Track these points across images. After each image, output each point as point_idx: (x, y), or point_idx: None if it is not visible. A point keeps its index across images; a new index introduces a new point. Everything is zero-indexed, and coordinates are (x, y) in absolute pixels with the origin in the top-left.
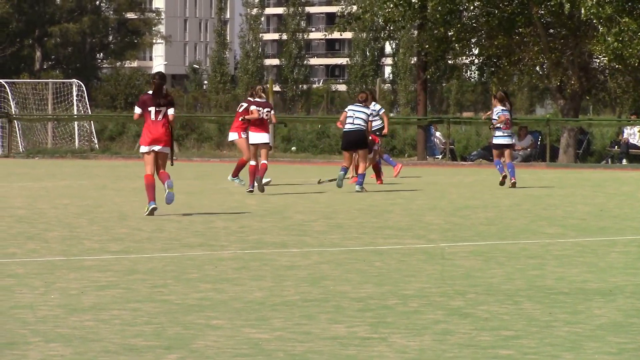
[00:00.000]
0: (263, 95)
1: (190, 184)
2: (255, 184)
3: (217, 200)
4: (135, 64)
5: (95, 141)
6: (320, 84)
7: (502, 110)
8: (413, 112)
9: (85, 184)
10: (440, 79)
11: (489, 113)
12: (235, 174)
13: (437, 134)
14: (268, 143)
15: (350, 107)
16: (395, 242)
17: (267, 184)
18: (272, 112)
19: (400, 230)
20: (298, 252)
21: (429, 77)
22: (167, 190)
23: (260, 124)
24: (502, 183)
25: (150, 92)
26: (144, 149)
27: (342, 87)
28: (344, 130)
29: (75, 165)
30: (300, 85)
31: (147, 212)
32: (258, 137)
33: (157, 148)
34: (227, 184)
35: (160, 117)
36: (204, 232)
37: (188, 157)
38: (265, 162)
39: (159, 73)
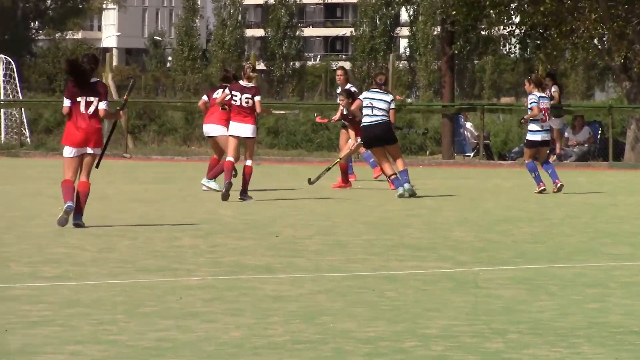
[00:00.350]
0: (252, 75)
1: (148, 190)
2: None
3: (183, 211)
4: (79, 35)
5: (27, 134)
6: (317, 60)
7: (541, 97)
8: (436, 97)
9: (12, 189)
10: (471, 55)
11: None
12: (213, 176)
13: (468, 125)
14: (253, 137)
15: (366, 94)
16: (414, 266)
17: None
18: (258, 99)
19: (420, 250)
20: (287, 279)
21: (456, 52)
22: (75, 222)
23: (244, 113)
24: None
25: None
26: (68, 151)
27: (345, 64)
28: (363, 124)
29: (1, 166)
30: (291, 63)
31: (60, 215)
32: (240, 128)
33: (86, 151)
34: (197, 189)
35: (91, 109)
36: (166, 252)
37: (145, 155)
38: (250, 163)
39: (88, 55)
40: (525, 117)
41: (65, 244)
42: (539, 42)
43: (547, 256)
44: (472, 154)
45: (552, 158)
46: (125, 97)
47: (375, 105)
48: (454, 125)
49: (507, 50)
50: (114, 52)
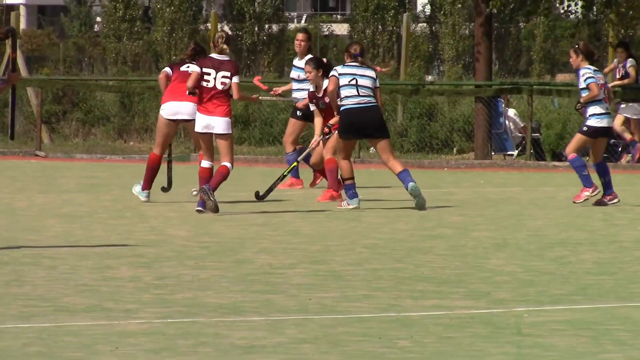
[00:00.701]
0: (225, 48)
1: (71, 201)
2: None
3: (119, 230)
4: None
5: None
6: (303, 22)
7: (596, 71)
8: (467, 73)
9: None
10: (516, 16)
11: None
12: (147, 184)
13: (511, 112)
14: (228, 133)
15: (342, 68)
16: (434, 306)
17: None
18: (236, 80)
19: (443, 283)
20: (262, 322)
21: (495, 11)
22: None
23: (217, 100)
24: (601, 202)
25: None
26: None
27: (341, 29)
28: (347, 107)
29: None
30: (266, 26)
31: None
32: (211, 122)
33: None
34: (137, 200)
35: None
36: (96, 285)
37: (66, 153)
38: (228, 164)
39: None
40: (582, 99)
41: None
42: None
43: (616, 292)
44: (515, 153)
45: (626, 158)
46: (11, 54)
47: (360, 82)
48: (491, 113)
49: (565, 9)
50: (22, 10)
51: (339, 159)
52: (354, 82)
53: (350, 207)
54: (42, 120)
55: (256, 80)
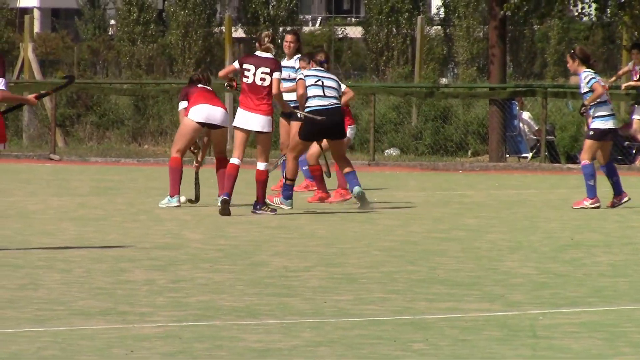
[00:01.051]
0: (271, 47)
1: (85, 204)
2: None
3: (134, 233)
4: None
5: None
6: (317, 25)
7: (592, 78)
8: (482, 76)
9: None
10: (529, 18)
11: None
12: (176, 189)
13: (525, 115)
14: (267, 132)
15: (308, 71)
16: (449, 308)
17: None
18: (277, 75)
19: (458, 286)
20: (277, 325)
21: (509, 14)
22: None
23: (256, 96)
24: (614, 204)
25: None
26: None
27: (356, 32)
28: (313, 107)
29: None
30: (280, 28)
31: None
32: (250, 119)
33: None
34: (152, 203)
35: None
36: (111, 289)
37: (81, 156)
38: (264, 167)
39: None
40: (586, 101)
41: None
42: (622, 0)
43: (631, 294)
44: (530, 155)
45: None
46: (50, 91)
47: (326, 84)
48: (505, 116)
49: (579, 12)
50: (36, 13)
51: (289, 158)
52: (319, 82)
53: (283, 206)
54: (57, 124)
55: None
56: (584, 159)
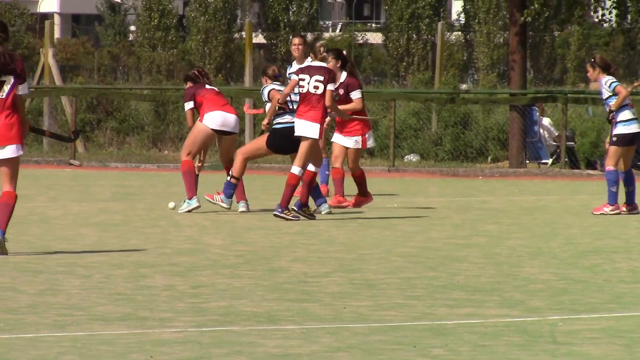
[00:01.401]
0: (326, 56)
1: (105, 210)
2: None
3: (154, 239)
4: None
5: None
6: (338, 31)
7: (614, 82)
8: (502, 82)
9: None
10: (549, 24)
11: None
12: (193, 191)
13: (545, 121)
14: (313, 138)
15: (274, 85)
16: (469, 314)
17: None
18: (331, 87)
19: (477, 291)
20: (296, 331)
21: (529, 20)
22: None
23: (309, 104)
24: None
25: None
26: None
27: (376, 38)
28: (287, 125)
29: None
30: (301, 35)
31: None
32: (299, 124)
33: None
34: (168, 210)
35: (2, 94)
36: (131, 294)
37: (101, 162)
38: (298, 171)
39: None
40: (612, 106)
41: None
42: None
43: None
44: (550, 161)
45: None
46: (47, 133)
47: (292, 98)
48: (525, 122)
49: (600, 18)
50: (56, 19)
51: (239, 157)
52: (290, 99)
53: (223, 205)
54: (77, 129)
55: (247, 109)
56: (609, 165)
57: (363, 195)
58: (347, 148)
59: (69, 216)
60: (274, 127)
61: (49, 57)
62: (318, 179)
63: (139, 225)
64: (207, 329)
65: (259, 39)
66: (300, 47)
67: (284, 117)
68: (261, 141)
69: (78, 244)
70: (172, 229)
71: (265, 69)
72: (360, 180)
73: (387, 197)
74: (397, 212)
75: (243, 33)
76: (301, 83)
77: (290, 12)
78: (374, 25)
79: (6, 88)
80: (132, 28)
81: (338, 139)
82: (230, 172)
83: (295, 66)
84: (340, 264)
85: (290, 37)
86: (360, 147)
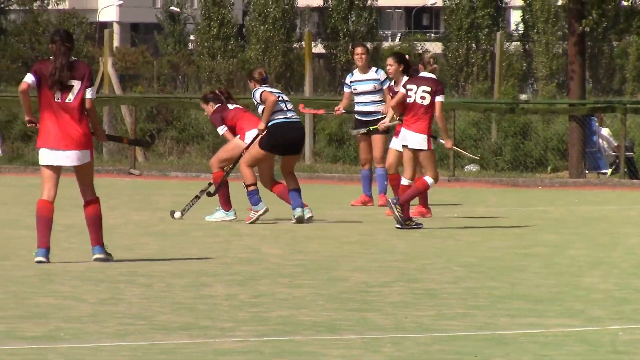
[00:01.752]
0: (436, 67)
1: (166, 219)
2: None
3: (214, 248)
4: (66, 4)
5: None
6: (397, 40)
7: None
8: (561, 92)
9: None
10: (608, 34)
11: None
12: (229, 204)
13: (604, 131)
14: (423, 149)
15: (266, 87)
16: (530, 324)
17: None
18: (440, 99)
19: (538, 302)
20: (358, 341)
21: (587, 29)
22: (95, 256)
23: (416, 115)
24: None
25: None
26: (44, 156)
27: (435, 47)
28: (277, 121)
29: None
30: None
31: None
32: (406, 135)
33: (67, 156)
34: (228, 220)
35: (70, 98)
36: (192, 303)
37: (161, 171)
38: (429, 179)
39: (60, 32)
40: None
41: (54, 293)
42: None
43: None
44: (609, 171)
45: None
46: (125, 140)
47: (285, 98)
48: (585, 132)
49: None
50: (115, 28)
51: (244, 166)
52: (280, 98)
53: (260, 212)
54: (152, 132)
55: (303, 109)
56: None
57: (424, 206)
58: (401, 154)
59: (130, 225)
60: (269, 124)
61: (108, 66)
62: (376, 189)
63: (200, 235)
64: (268, 339)
65: (319, 48)
66: (363, 56)
67: (274, 115)
68: (255, 147)
69: (139, 253)
70: (233, 238)
71: (252, 73)
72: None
73: (448, 206)
74: (458, 222)
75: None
76: (409, 93)
77: (350, 22)
78: (433, 35)
79: (74, 92)
80: (192, 37)
81: (395, 144)
82: (243, 183)
83: (357, 74)
84: (401, 273)
85: (350, 47)
86: (425, 147)
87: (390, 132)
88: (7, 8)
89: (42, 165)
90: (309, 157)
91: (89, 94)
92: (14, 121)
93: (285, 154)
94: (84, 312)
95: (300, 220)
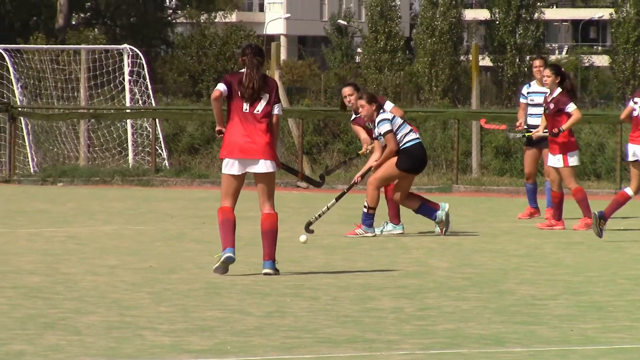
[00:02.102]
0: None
1: (332, 232)
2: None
3: (382, 261)
4: (233, 17)
5: (165, 155)
6: (564, 53)
7: None
8: None
9: (146, 230)
10: None
11: None
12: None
13: None
14: None
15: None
16: None
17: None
18: None
19: None
20: (524, 353)
21: None
22: (265, 270)
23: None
24: None
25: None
26: (228, 165)
27: (602, 60)
28: (411, 143)
29: (130, 198)
30: (527, 57)
31: (217, 264)
32: (635, 149)
33: (252, 164)
34: (395, 233)
35: (259, 109)
36: (358, 316)
37: (328, 184)
38: (629, 191)
39: (252, 46)
40: None
41: (219, 305)
42: None
43: None
44: None
45: None
46: (300, 174)
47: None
48: None
49: None
50: (282, 41)
51: (375, 188)
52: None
53: (367, 234)
54: (303, 151)
55: (485, 124)
56: None
57: (586, 217)
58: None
59: (296, 238)
60: (403, 147)
61: (275, 79)
62: (544, 202)
63: (367, 248)
64: (435, 352)
65: (486, 61)
66: (541, 68)
67: (408, 135)
68: (391, 166)
69: (305, 266)
70: (399, 251)
71: (373, 95)
72: (577, 199)
73: (615, 219)
74: (625, 234)
75: (469, 55)
76: (635, 107)
77: (517, 35)
78: (600, 48)
79: (261, 104)
80: (359, 50)
81: (551, 160)
82: (365, 203)
83: (534, 86)
84: (567, 286)
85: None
86: (562, 165)
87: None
88: (174, 21)
89: (225, 174)
90: (476, 170)
91: (277, 109)
92: (180, 134)
93: (416, 173)
94: (250, 325)
95: (445, 218)
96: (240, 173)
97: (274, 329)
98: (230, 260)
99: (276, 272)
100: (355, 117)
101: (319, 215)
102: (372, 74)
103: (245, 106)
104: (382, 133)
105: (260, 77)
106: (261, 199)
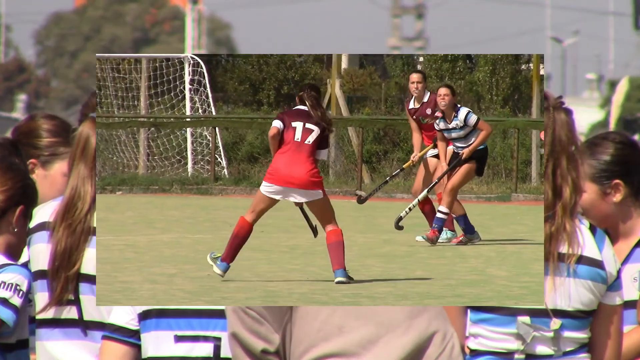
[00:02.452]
0: None
1: (391, 240)
2: None
3: (440, 270)
4: None
5: (224, 163)
6: None
7: None
8: None
9: (204, 238)
10: None
11: None
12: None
13: None
14: None
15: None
16: None
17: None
18: None
19: None
20: None
21: None
22: (337, 279)
23: None
24: None
25: (301, 108)
26: (267, 188)
27: None
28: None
29: (188, 206)
30: None
31: (214, 271)
32: None
33: (293, 192)
34: (454, 242)
35: (310, 140)
36: None
37: (387, 193)
38: None
39: (310, 84)
40: None
41: None
42: None
43: None
44: None
45: None
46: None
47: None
48: None
49: None
50: None
51: (452, 193)
52: None
53: (443, 240)
54: (363, 160)
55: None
56: None
57: None
58: None
59: (354, 247)
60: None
61: (335, 88)
62: None
63: (425, 256)
64: None
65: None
66: None
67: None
68: (469, 173)
69: (363, 275)
70: (458, 260)
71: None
72: None
73: None
74: None
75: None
76: None
77: None
78: None
79: (312, 136)
80: (420, 59)
81: None
82: (441, 207)
83: None
84: None
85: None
86: None
87: None
88: None
89: (261, 192)
90: (535, 179)
91: (321, 155)
92: (240, 143)
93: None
94: None
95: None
96: (277, 198)
97: None
98: (218, 274)
99: (349, 279)
100: (419, 106)
101: (409, 210)
102: (432, 83)
103: (297, 135)
104: (475, 121)
105: (318, 108)
106: (321, 222)
